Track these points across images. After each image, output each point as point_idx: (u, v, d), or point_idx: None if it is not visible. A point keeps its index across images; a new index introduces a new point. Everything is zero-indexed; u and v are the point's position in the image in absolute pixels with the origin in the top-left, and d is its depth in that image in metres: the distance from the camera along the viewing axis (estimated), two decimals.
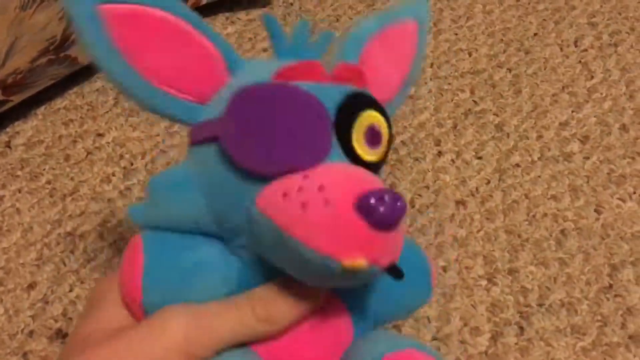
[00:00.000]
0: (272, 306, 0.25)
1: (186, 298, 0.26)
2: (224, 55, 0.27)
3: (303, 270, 0.24)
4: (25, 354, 0.42)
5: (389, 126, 0.27)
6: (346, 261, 0.22)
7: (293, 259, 0.23)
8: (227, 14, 0.69)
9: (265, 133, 0.24)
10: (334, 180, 0.23)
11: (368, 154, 0.26)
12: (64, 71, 0.56)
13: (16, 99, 0.54)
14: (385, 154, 0.27)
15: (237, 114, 0.25)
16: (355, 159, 0.25)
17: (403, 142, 0.56)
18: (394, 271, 0.24)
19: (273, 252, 0.24)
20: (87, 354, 0.25)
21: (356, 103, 0.26)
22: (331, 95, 0.25)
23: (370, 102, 0.26)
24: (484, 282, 0.46)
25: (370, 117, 0.26)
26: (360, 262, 0.22)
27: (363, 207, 0.22)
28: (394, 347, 0.25)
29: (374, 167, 0.26)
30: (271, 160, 0.24)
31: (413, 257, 0.30)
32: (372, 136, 0.26)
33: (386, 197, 0.22)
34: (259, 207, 0.24)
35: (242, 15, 0.69)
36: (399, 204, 0.22)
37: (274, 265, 0.25)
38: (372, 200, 0.22)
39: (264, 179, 0.24)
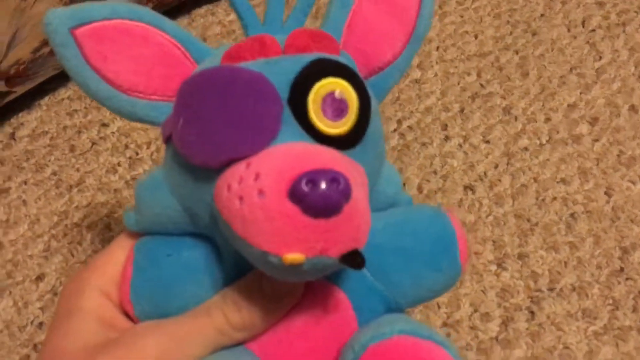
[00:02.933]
0: (245, 311, 0.24)
1: (175, 304, 0.25)
2: (186, 47, 0.27)
3: (260, 265, 0.22)
4: (35, 346, 0.42)
5: (360, 92, 0.24)
6: (285, 256, 0.20)
7: (247, 254, 0.22)
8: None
9: (206, 123, 0.23)
10: (270, 166, 0.21)
11: (330, 127, 0.23)
12: None
13: (19, 90, 0.53)
14: (357, 124, 0.24)
15: (181, 107, 0.24)
16: (316, 134, 0.23)
17: (410, 127, 0.56)
18: (352, 261, 0.21)
19: (236, 247, 0.23)
20: None
21: (312, 72, 0.23)
22: (284, 70, 0.24)
23: (329, 68, 0.24)
24: (493, 267, 0.46)
25: (328, 84, 0.23)
26: (297, 256, 0.20)
27: (295, 194, 0.20)
28: (380, 336, 0.23)
29: (342, 142, 0.23)
30: (213, 151, 0.23)
31: (433, 229, 0.26)
32: (333, 105, 0.23)
33: (320, 180, 0.20)
34: (214, 201, 0.23)
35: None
36: (337, 185, 0.20)
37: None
38: (304, 185, 0.20)
39: (216, 171, 0.23)
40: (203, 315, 0.24)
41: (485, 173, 0.52)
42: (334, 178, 0.20)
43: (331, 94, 0.23)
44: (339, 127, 0.23)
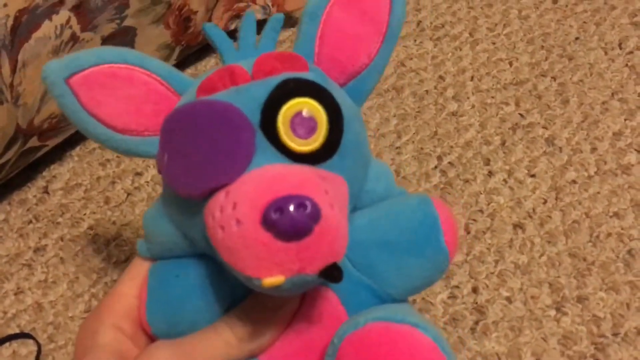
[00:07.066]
0: (249, 322, 0.26)
1: (186, 321, 0.27)
2: (169, 82, 0.28)
3: (249, 286, 0.24)
4: None
5: (328, 107, 0.25)
6: (265, 280, 0.22)
7: (236, 276, 0.23)
8: None
9: (187, 157, 0.25)
10: (244, 195, 0.23)
11: (302, 145, 0.24)
12: None
13: (51, 143, 0.52)
14: (329, 139, 0.25)
15: (165, 143, 0.26)
16: (289, 153, 0.24)
17: (451, 163, 0.54)
18: (330, 275, 0.23)
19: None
20: None
21: (280, 95, 0.25)
22: (253, 95, 0.25)
23: (295, 89, 0.25)
24: (552, 312, 0.44)
25: (295, 105, 0.24)
26: (277, 279, 0.22)
27: (267, 221, 0.22)
28: (354, 326, 0.24)
29: (316, 157, 0.25)
30: (194, 183, 0.24)
31: (415, 217, 0.27)
32: (303, 124, 0.24)
33: (287, 207, 0.22)
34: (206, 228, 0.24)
35: None
36: (304, 210, 0.22)
37: None
38: (273, 214, 0.22)
39: (203, 200, 0.24)
40: (211, 331, 0.26)
41: (534, 210, 0.50)
42: (300, 203, 0.22)
43: (299, 114, 0.24)
44: (311, 144, 0.25)
